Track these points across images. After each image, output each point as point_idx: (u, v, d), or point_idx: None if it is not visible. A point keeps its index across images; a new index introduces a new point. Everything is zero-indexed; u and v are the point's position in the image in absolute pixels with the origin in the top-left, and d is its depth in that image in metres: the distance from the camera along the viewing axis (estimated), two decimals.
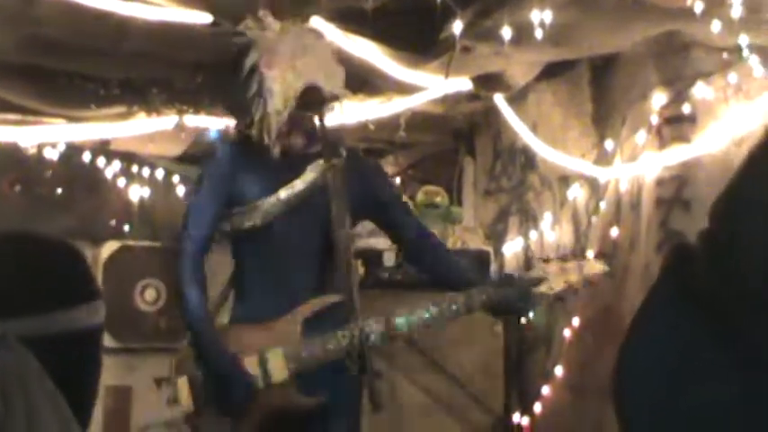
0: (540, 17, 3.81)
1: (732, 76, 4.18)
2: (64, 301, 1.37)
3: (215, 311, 3.26)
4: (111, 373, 5.48)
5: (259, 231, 3.14)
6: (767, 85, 4.07)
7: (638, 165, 4.49)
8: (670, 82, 4.41)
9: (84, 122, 5.21)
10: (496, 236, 5.65)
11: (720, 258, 0.78)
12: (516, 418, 4.98)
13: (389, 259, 4.91)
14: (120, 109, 5.09)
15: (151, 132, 5.24)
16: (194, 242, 3.11)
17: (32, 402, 1.13)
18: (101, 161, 5.92)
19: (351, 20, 4.07)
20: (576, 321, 4.81)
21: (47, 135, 5.34)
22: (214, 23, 4.03)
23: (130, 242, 6.15)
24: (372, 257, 4.82)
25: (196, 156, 5.94)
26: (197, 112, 5.12)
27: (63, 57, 4.50)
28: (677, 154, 4.30)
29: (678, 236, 4.17)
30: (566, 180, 5.05)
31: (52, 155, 5.71)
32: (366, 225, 4.16)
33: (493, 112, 5.46)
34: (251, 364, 3.05)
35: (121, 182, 6.06)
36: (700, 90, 4.25)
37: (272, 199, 3.13)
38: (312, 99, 3.05)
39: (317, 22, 4.03)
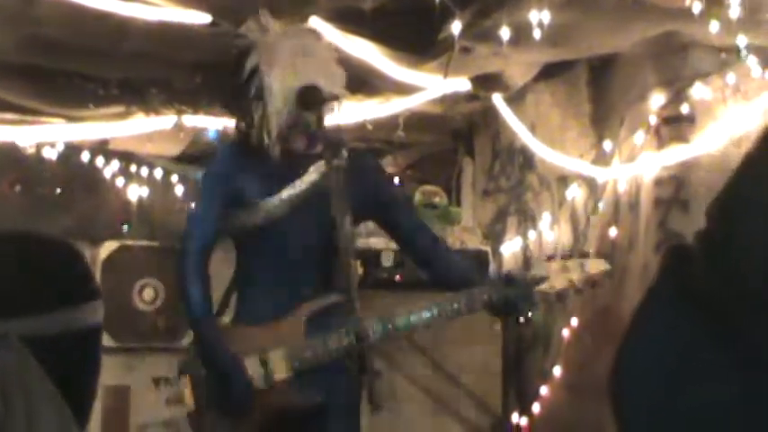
0: (539, 18, 3.81)
1: (730, 77, 4.19)
2: (64, 301, 1.37)
3: (219, 312, 3.27)
4: (109, 373, 5.48)
5: (261, 231, 3.15)
6: (765, 85, 4.07)
7: (637, 165, 4.50)
8: (668, 82, 4.41)
9: (83, 122, 5.21)
10: (495, 236, 5.66)
11: (718, 258, 0.79)
12: (515, 418, 4.98)
13: (387, 259, 4.91)
14: (119, 109, 5.09)
15: (150, 132, 5.24)
16: (197, 242, 3.11)
17: (32, 402, 1.13)
18: (99, 161, 5.92)
19: (349, 20, 4.07)
20: (574, 321, 4.81)
21: (46, 135, 5.34)
22: (213, 23, 4.03)
23: (129, 242, 6.15)
24: (370, 257, 4.82)
25: (195, 155, 5.95)
26: (196, 111, 5.12)
27: (62, 56, 4.50)
28: (676, 154, 4.30)
29: (677, 236, 4.18)
30: (564, 180, 5.05)
31: (51, 154, 5.71)
32: (365, 225, 4.16)
33: (491, 112, 5.46)
34: (253, 364, 3.05)
35: (120, 181, 6.06)
36: (698, 90, 4.25)
37: (273, 199, 3.14)
38: (312, 99, 3.06)
39: (315, 22, 4.03)
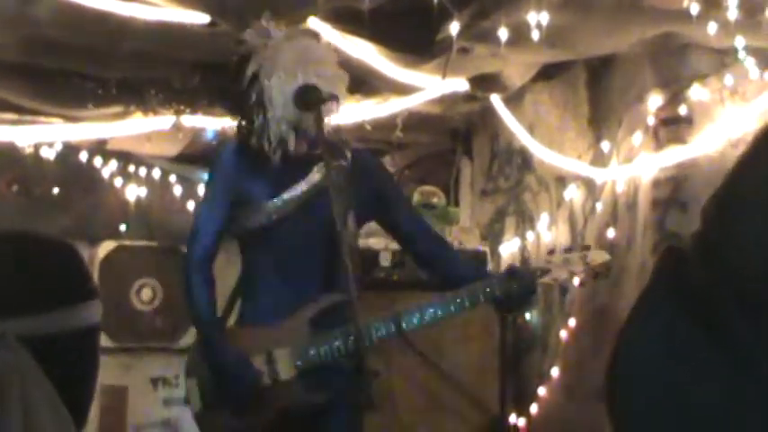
0: (537, 18, 3.82)
1: (728, 78, 4.19)
2: (61, 301, 1.37)
3: (224, 314, 3.29)
4: (106, 373, 5.48)
5: (264, 232, 3.16)
6: (763, 86, 4.07)
7: (635, 166, 4.50)
8: (666, 83, 4.42)
9: (82, 122, 5.21)
10: (493, 236, 5.66)
11: (714, 259, 0.79)
12: (512, 418, 4.98)
13: (386, 259, 4.91)
14: (118, 109, 5.09)
15: (148, 132, 5.24)
16: (201, 245, 3.14)
17: (30, 401, 1.13)
18: (97, 161, 5.92)
19: (348, 20, 4.07)
20: (572, 322, 4.81)
21: (44, 134, 5.34)
22: (212, 24, 4.03)
23: (127, 242, 6.15)
24: (369, 258, 4.82)
25: (193, 156, 5.95)
26: (194, 112, 5.12)
27: (61, 56, 4.50)
28: (673, 155, 4.31)
29: (674, 237, 4.18)
30: (562, 181, 5.05)
31: (49, 154, 5.71)
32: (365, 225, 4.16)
33: (490, 112, 5.46)
34: (258, 363, 3.08)
35: (118, 181, 6.06)
36: (696, 92, 4.26)
37: (277, 200, 3.15)
38: (310, 99, 3.05)
39: (314, 22, 4.03)
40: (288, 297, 3.15)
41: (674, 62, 4.38)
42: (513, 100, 5.31)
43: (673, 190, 4.30)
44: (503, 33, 3.94)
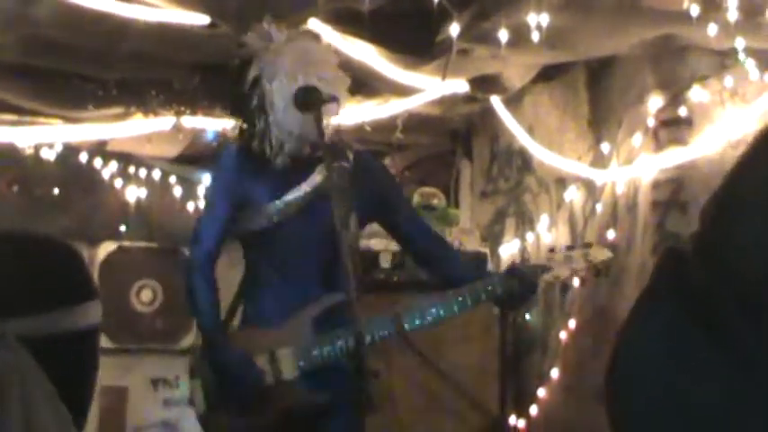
0: (537, 20, 3.82)
1: (728, 80, 4.19)
2: (61, 301, 1.37)
3: (228, 316, 3.31)
4: (107, 374, 5.48)
5: (267, 234, 3.18)
6: (763, 88, 4.08)
7: (635, 167, 4.50)
8: (666, 85, 4.42)
9: (82, 123, 5.21)
10: (493, 237, 5.66)
11: (713, 259, 0.79)
12: (512, 419, 4.98)
13: (386, 260, 4.91)
14: (118, 110, 5.09)
15: (148, 133, 5.24)
16: (204, 248, 3.17)
17: (30, 402, 1.13)
18: (98, 162, 5.92)
19: (348, 22, 4.08)
20: (572, 323, 4.81)
21: (44, 135, 5.34)
22: (212, 25, 4.03)
23: (127, 243, 6.15)
24: (369, 259, 4.82)
25: (193, 157, 5.95)
26: (194, 113, 5.12)
27: (61, 57, 4.50)
28: (674, 157, 4.31)
29: (674, 238, 4.18)
30: (562, 182, 5.06)
31: (49, 155, 5.71)
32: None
33: (490, 114, 5.47)
34: (261, 363, 3.10)
35: (118, 182, 6.06)
36: (696, 93, 4.26)
37: (279, 202, 3.16)
38: (309, 99, 3.06)
39: (314, 23, 4.03)
40: (290, 298, 3.17)
41: (674, 64, 4.38)
42: (513, 101, 5.32)
43: (673, 191, 4.30)
44: (503, 35, 3.95)
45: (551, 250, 3.39)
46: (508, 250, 5.46)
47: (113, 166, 6.01)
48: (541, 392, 4.95)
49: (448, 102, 5.20)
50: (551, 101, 5.23)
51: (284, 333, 3.14)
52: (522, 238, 5.36)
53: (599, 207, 4.75)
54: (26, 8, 3.89)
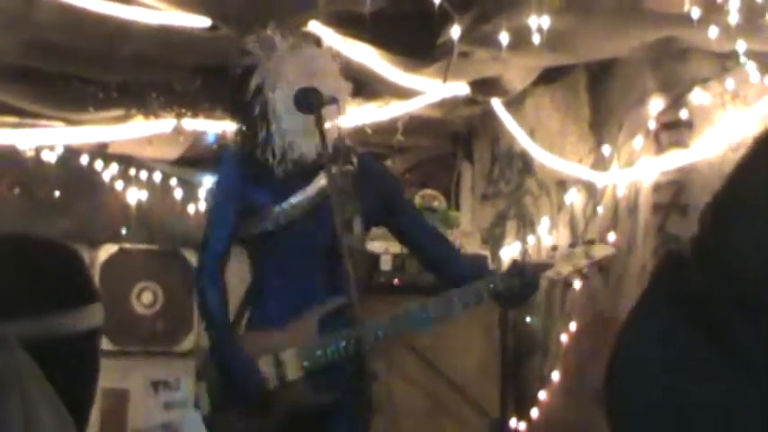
0: (538, 22, 3.82)
1: (729, 82, 4.19)
2: (62, 304, 1.37)
3: (235, 321, 3.35)
4: (107, 376, 5.47)
5: (272, 237, 3.21)
6: (764, 90, 4.08)
7: (636, 170, 4.50)
8: (667, 87, 4.42)
9: (83, 125, 5.22)
10: (494, 240, 5.66)
11: (712, 262, 0.79)
12: (513, 422, 4.98)
13: (386, 263, 4.91)
14: (119, 112, 5.09)
15: (149, 135, 5.24)
16: (213, 253, 3.21)
17: (30, 403, 1.13)
18: (98, 164, 5.92)
19: (349, 24, 4.08)
20: (573, 326, 4.81)
21: (45, 138, 5.34)
22: (213, 27, 4.03)
23: (128, 245, 6.15)
24: (369, 262, 4.82)
25: (194, 159, 5.95)
26: (195, 115, 5.12)
27: (62, 60, 4.50)
28: (674, 159, 4.31)
29: (675, 241, 4.18)
30: (563, 185, 5.06)
31: (50, 158, 5.71)
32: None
33: (491, 116, 5.47)
34: (266, 365, 3.13)
35: (119, 185, 6.05)
36: (697, 96, 4.26)
37: (283, 205, 3.19)
38: (310, 101, 3.06)
39: (315, 26, 4.04)
40: (294, 300, 3.20)
41: (675, 66, 4.38)
42: (514, 104, 5.32)
43: (674, 194, 4.30)
44: (504, 37, 3.95)
45: (554, 248, 3.40)
46: (509, 253, 5.46)
47: (114, 168, 6.01)
48: (542, 395, 4.94)
49: (449, 104, 5.20)
50: (552, 103, 5.23)
51: (289, 335, 3.17)
52: (523, 241, 5.36)
53: (600, 210, 4.74)
54: (27, 11, 3.89)
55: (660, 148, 4.41)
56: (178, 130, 5.17)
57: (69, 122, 5.22)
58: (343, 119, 3.23)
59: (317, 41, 3.48)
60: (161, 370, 6.17)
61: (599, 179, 4.72)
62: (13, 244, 1.43)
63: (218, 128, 5.11)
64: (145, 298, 6.14)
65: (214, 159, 5.19)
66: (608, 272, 4.45)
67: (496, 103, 5.28)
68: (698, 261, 0.80)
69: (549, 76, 5.04)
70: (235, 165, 3.26)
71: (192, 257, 5.95)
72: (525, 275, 3.18)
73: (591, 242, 3.47)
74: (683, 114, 4.29)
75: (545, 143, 5.16)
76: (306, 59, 3.19)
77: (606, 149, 4.69)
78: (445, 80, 4.50)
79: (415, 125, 5.31)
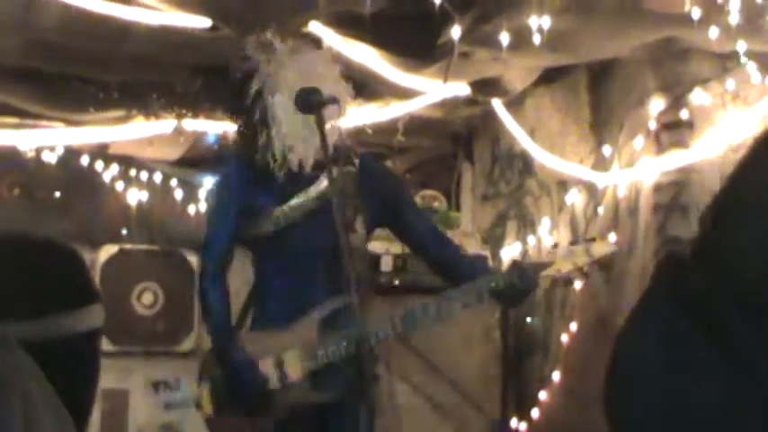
0: (539, 23, 3.82)
1: (730, 83, 4.19)
2: (63, 304, 1.37)
3: (238, 323, 3.37)
4: (107, 376, 5.47)
5: (274, 239, 3.23)
6: (764, 91, 4.08)
7: (636, 170, 4.50)
8: (668, 88, 4.42)
9: (83, 126, 5.21)
10: (494, 241, 5.66)
11: (713, 262, 0.79)
12: (514, 422, 4.98)
13: (387, 264, 4.91)
14: (119, 113, 5.09)
15: (150, 136, 5.24)
16: (215, 256, 3.25)
17: (31, 404, 1.13)
18: (99, 165, 5.92)
19: (349, 25, 4.08)
20: (573, 326, 4.81)
21: (45, 138, 5.34)
22: (213, 28, 4.03)
23: (128, 246, 6.15)
24: (370, 262, 4.82)
25: (195, 160, 5.94)
26: (196, 116, 5.12)
27: (62, 60, 4.50)
28: (675, 160, 4.31)
29: (676, 241, 4.18)
30: (564, 185, 5.05)
31: (51, 158, 5.71)
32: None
33: (491, 116, 5.46)
34: (268, 365, 3.16)
35: (120, 185, 6.05)
36: (697, 96, 4.26)
37: (284, 207, 3.20)
38: (311, 100, 3.06)
39: (315, 26, 4.04)
40: (297, 301, 3.22)
41: (676, 66, 4.38)
42: (515, 104, 5.31)
43: (674, 194, 4.30)
44: (504, 37, 3.94)
45: (555, 245, 3.41)
46: (509, 253, 5.45)
47: (114, 169, 6.00)
48: (543, 395, 4.94)
49: (449, 105, 5.20)
50: (553, 104, 5.23)
51: (291, 335, 3.20)
52: (524, 241, 5.36)
53: (600, 210, 4.74)
54: (28, 12, 3.89)
55: (661, 148, 4.40)
56: (179, 131, 5.17)
57: (70, 123, 5.22)
58: (343, 120, 3.23)
59: (317, 43, 3.48)
60: (161, 370, 6.16)
61: (599, 179, 4.72)
62: (14, 244, 1.43)
63: (219, 128, 5.10)
64: (145, 298, 6.13)
65: (215, 160, 5.20)
66: (609, 272, 4.45)
67: (497, 104, 5.28)
68: (699, 261, 0.80)
69: (549, 77, 5.04)
70: (236, 166, 3.28)
71: (192, 258, 5.95)
72: (525, 274, 3.19)
73: (591, 240, 3.48)
74: (684, 115, 4.29)
75: (545, 143, 5.16)
76: (305, 63, 3.20)
77: (607, 150, 4.69)
78: (446, 80, 4.50)
79: (416, 125, 5.31)
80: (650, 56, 4.42)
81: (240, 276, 3.56)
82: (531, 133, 5.27)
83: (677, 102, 4.34)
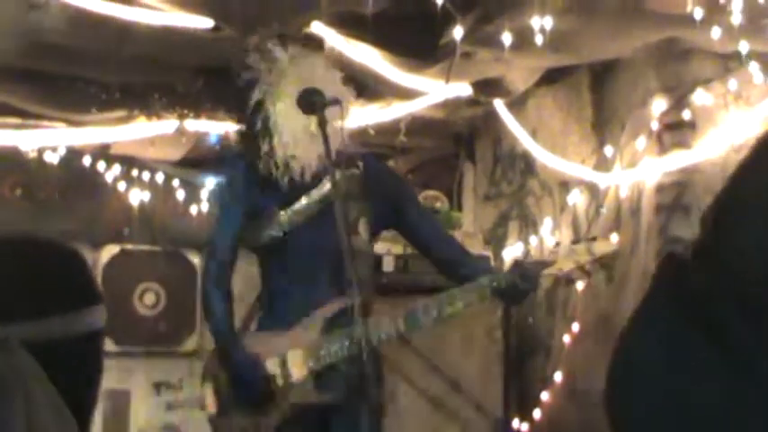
0: (541, 23, 3.81)
1: (732, 83, 4.19)
2: (65, 305, 1.37)
3: (244, 326, 3.39)
4: (109, 377, 5.46)
5: (278, 243, 3.25)
6: (767, 91, 4.07)
7: (638, 171, 4.50)
8: (670, 88, 4.41)
9: (85, 126, 5.21)
10: (496, 241, 5.66)
11: (714, 262, 0.79)
12: (516, 423, 4.97)
13: (389, 264, 4.91)
14: (121, 113, 5.09)
15: (152, 136, 5.24)
16: (219, 259, 3.27)
17: (33, 405, 1.13)
18: (101, 165, 5.92)
19: (352, 25, 4.08)
20: (575, 327, 4.81)
21: (47, 139, 5.34)
22: (216, 28, 4.03)
23: (130, 246, 6.15)
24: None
25: (197, 160, 5.94)
26: (198, 116, 5.12)
27: (64, 61, 4.50)
28: (677, 160, 4.31)
29: (678, 242, 4.18)
30: (566, 185, 5.05)
31: (53, 159, 5.71)
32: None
33: (493, 117, 5.46)
34: (271, 365, 3.18)
35: (121, 186, 6.05)
36: (700, 96, 4.26)
37: (288, 211, 3.22)
38: (312, 101, 3.07)
39: (317, 27, 4.04)
40: (302, 303, 3.25)
41: (678, 67, 4.38)
42: (517, 104, 5.31)
43: (676, 195, 4.30)
44: (506, 38, 3.94)
45: (557, 245, 3.42)
46: (511, 253, 5.45)
47: (116, 169, 6.00)
48: (545, 396, 4.94)
49: (451, 105, 5.20)
50: (555, 104, 5.23)
51: (294, 335, 3.22)
52: (526, 242, 5.35)
53: (602, 210, 4.74)
54: (30, 12, 3.89)
55: (663, 148, 4.40)
56: (180, 131, 5.17)
57: (72, 123, 5.22)
58: (346, 122, 3.24)
59: (318, 44, 3.48)
60: (163, 371, 6.17)
61: (601, 180, 4.72)
62: (16, 245, 1.43)
63: (221, 129, 5.10)
64: (147, 299, 6.13)
65: (217, 160, 5.21)
66: (610, 272, 4.45)
67: (499, 104, 5.28)
68: (699, 261, 0.80)
69: (551, 77, 5.04)
70: (241, 168, 3.29)
71: (194, 258, 5.95)
72: (527, 273, 3.20)
73: (593, 239, 3.48)
74: (686, 115, 4.29)
75: (547, 144, 5.16)
76: (306, 70, 3.21)
77: (609, 150, 4.69)
78: (448, 81, 4.50)
79: (418, 126, 5.31)
80: (652, 56, 4.41)
81: (244, 279, 3.57)
82: (533, 133, 5.27)
83: (679, 102, 4.34)
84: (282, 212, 3.23)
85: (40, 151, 5.61)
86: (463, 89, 4.91)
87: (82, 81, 4.84)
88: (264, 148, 3.19)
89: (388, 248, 4.79)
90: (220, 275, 3.23)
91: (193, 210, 6.07)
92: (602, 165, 4.74)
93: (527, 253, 5.32)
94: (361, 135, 4.92)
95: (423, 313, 3.21)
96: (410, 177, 6.53)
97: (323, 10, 3.93)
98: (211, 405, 3.24)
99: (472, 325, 4.72)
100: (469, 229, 5.85)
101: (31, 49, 4.24)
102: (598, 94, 4.92)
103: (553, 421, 4.89)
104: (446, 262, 3.42)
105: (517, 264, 3.30)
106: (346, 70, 3.33)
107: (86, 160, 5.83)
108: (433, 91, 4.79)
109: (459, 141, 6.19)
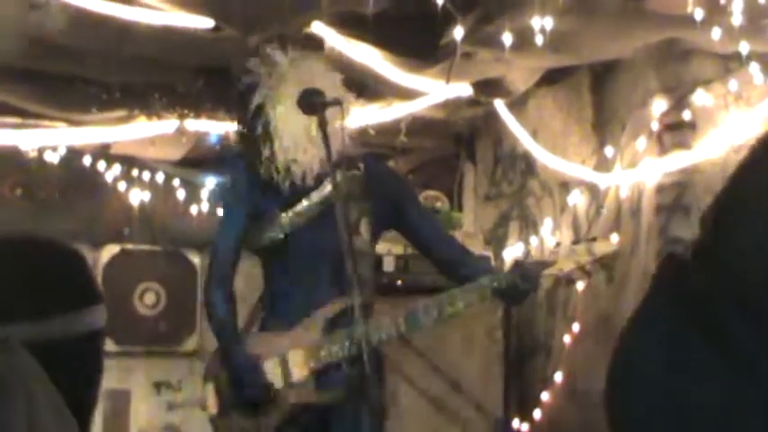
0: (541, 23, 3.81)
1: (732, 83, 4.19)
2: (65, 305, 1.37)
3: (246, 327, 3.39)
4: (109, 377, 5.46)
5: (280, 245, 3.26)
6: (767, 92, 4.07)
7: (639, 171, 4.50)
8: (670, 89, 4.41)
9: (85, 126, 5.22)
10: (497, 241, 5.66)
11: (713, 263, 0.79)
12: (516, 423, 4.97)
13: (389, 264, 4.91)
14: (121, 113, 5.09)
15: (152, 136, 5.24)
16: (222, 261, 3.29)
17: (34, 405, 1.13)
18: (101, 165, 5.92)
19: (352, 25, 4.08)
20: (575, 327, 4.81)
21: (47, 139, 5.34)
22: (216, 28, 4.03)
23: (130, 246, 6.15)
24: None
25: (197, 160, 5.95)
26: (198, 116, 5.12)
27: (64, 61, 4.50)
28: (677, 160, 4.31)
29: (678, 242, 4.18)
30: (566, 186, 5.05)
31: (53, 158, 5.71)
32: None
33: (493, 117, 5.46)
34: (273, 366, 3.19)
35: (122, 185, 6.05)
36: (700, 97, 4.26)
37: (290, 213, 3.23)
38: (313, 101, 3.07)
39: (318, 27, 4.04)
40: (303, 303, 3.26)
41: (678, 67, 4.38)
42: (517, 105, 5.31)
43: (677, 195, 4.30)
44: (507, 38, 3.94)
45: (557, 246, 3.42)
46: (512, 254, 5.45)
47: (117, 169, 6.00)
48: (545, 396, 4.94)
49: (452, 105, 5.20)
50: (555, 104, 5.23)
51: (296, 335, 3.23)
52: (526, 242, 5.35)
53: (603, 211, 4.74)
54: (31, 12, 3.89)
55: (663, 149, 4.40)
56: (181, 131, 5.17)
57: (72, 123, 5.22)
58: (346, 123, 3.25)
59: (319, 44, 3.49)
60: (163, 371, 6.17)
61: (602, 180, 4.72)
62: (16, 245, 1.43)
63: (221, 129, 5.10)
64: (147, 299, 6.14)
65: (217, 160, 5.21)
66: (611, 272, 4.45)
67: (499, 104, 5.28)
68: (699, 261, 0.80)
69: (551, 77, 5.04)
70: (243, 169, 3.30)
71: (194, 258, 5.96)
72: (527, 274, 3.21)
73: (593, 239, 3.48)
74: (686, 115, 4.29)
75: (548, 144, 5.16)
76: (306, 72, 3.22)
77: (609, 150, 4.69)
78: (448, 81, 4.50)
79: (418, 126, 5.31)
80: (653, 57, 4.41)
81: (246, 280, 3.58)
82: (534, 134, 5.27)
83: (680, 103, 4.34)
84: (283, 214, 3.24)
85: (41, 151, 5.61)
86: (463, 89, 4.91)
87: (82, 81, 4.84)
88: (265, 152, 3.20)
89: (389, 248, 4.79)
90: (223, 276, 3.24)
91: (193, 210, 6.07)
92: (603, 165, 4.74)
93: (527, 253, 5.32)
94: (361, 135, 4.92)
95: (423, 313, 3.21)
96: (410, 178, 6.52)
97: (323, 10, 3.93)
98: (213, 405, 3.25)
99: (473, 325, 4.72)
100: (470, 230, 5.84)
101: (31, 48, 4.24)
102: (598, 95, 4.92)
103: (553, 421, 4.89)
104: (447, 262, 3.43)
105: (518, 264, 3.31)
106: (346, 70, 3.33)
107: (86, 160, 5.83)
108: (433, 91, 4.79)
109: (459, 142, 6.19)
